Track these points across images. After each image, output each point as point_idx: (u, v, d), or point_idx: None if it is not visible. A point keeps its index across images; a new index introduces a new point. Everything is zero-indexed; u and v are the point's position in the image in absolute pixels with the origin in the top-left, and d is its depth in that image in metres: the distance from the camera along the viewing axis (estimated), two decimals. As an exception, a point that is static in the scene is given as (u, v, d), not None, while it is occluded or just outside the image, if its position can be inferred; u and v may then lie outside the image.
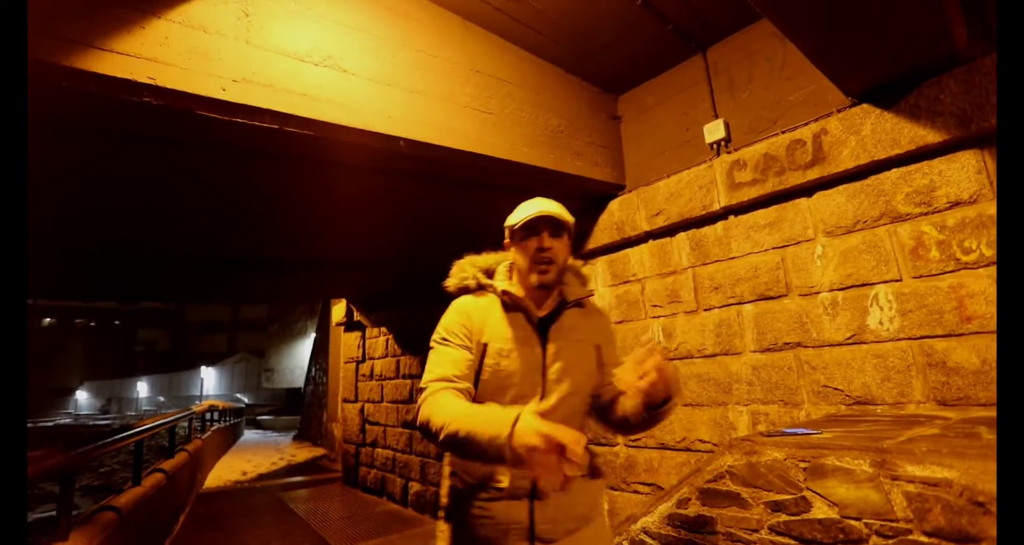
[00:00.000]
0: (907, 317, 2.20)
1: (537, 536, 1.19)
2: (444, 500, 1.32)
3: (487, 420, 0.99)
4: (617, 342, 1.53)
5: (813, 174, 2.52)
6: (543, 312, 1.33)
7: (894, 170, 2.31)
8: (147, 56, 1.95)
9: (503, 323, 1.29)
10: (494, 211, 3.91)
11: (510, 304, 1.31)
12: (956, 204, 2.12)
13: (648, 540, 1.96)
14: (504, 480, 1.20)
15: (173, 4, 2.04)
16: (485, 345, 1.27)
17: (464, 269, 1.40)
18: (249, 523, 5.47)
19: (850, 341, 2.36)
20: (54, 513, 2.76)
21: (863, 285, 2.35)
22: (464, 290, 1.38)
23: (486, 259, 1.43)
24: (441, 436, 1.05)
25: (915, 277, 2.21)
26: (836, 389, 2.37)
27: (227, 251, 4.73)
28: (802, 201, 2.61)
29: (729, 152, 2.93)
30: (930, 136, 2.16)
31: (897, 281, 2.26)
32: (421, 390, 1.20)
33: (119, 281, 5.93)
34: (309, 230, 4.29)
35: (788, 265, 2.62)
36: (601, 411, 1.37)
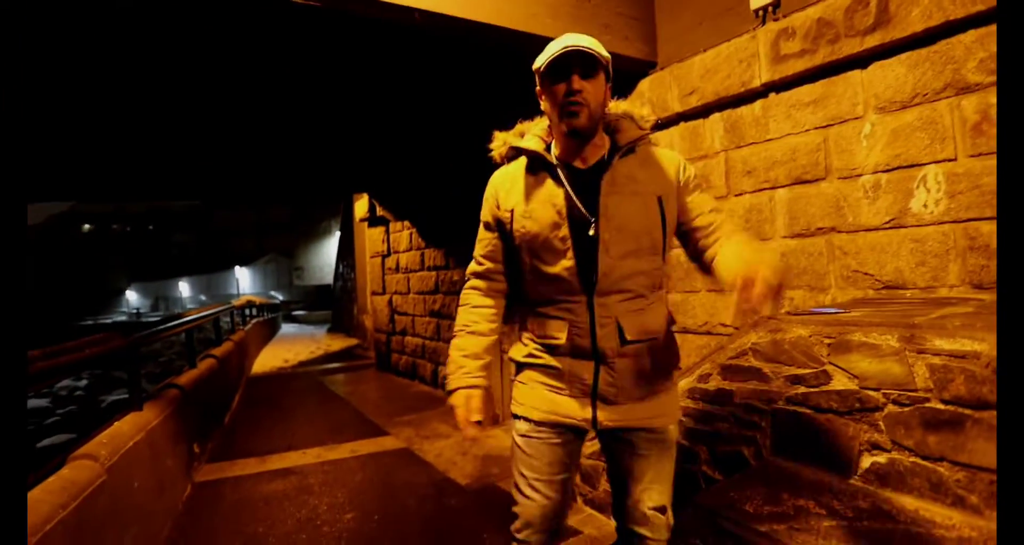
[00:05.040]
0: (955, 199, 2.08)
1: (600, 395, 1.22)
2: (514, 356, 1.35)
3: (454, 365, 1.30)
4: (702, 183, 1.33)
5: (873, 41, 2.25)
6: (586, 165, 1.23)
7: (970, 32, 2.03)
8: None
9: (526, 184, 1.25)
10: (517, 93, 3.69)
11: (530, 164, 1.26)
12: (1035, 69, 1.89)
13: (667, 411, 2.10)
14: (561, 336, 1.23)
15: None
16: (512, 211, 1.25)
17: (498, 137, 1.34)
18: (296, 402, 6.04)
19: (888, 225, 2.27)
20: (127, 395, 3.07)
21: (911, 166, 2.20)
22: (505, 159, 1.34)
23: (527, 125, 1.35)
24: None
25: (972, 156, 2.05)
26: (867, 274, 2.33)
27: (246, 141, 4.67)
28: (855, 74, 2.37)
29: (777, 19, 2.62)
30: (1020, -14, 1.87)
31: (951, 161, 2.10)
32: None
33: (148, 179, 5.99)
34: (325, 114, 4.15)
35: (830, 146, 2.45)
36: (699, 263, 1.29)
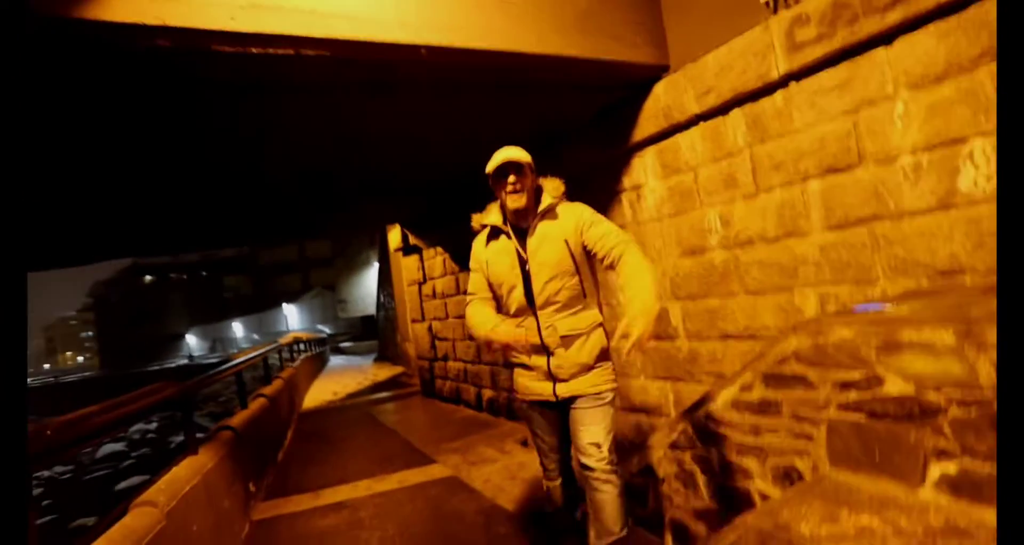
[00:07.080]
0: (1007, 173, 1.92)
1: (553, 375, 1.90)
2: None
3: (482, 324, 1.89)
4: (602, 219, 1.94)
5: (895, 16, 2.13)
6: (526, 225, 1.94)
7: (999, -6, 1.90)
8: (147, -7, 1.87)
9: (490, 244, 2.01)
10: (534, 114, 3.68)
11: (491, 231, 2.01)
12: (1080, 26, 1.74)
13: (712, 425, 1.99)
14: (523, 355, 1.97)
15: (156, -75, 1.91)
16: (486, 262, 2.00)
17: (473, 218, 2.07)
18: (346, 434, 6.13)
19: (936, 208, 2.11)
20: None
21: (954, 142, 2.05)
22: (479, 229, 2.08)
23: (493, 205, 2.04)
24: (469, 330, 2.00)
25: (1019, 125, 1.89)
26: (917, 262, 2.17)
27: (281, 191, 4.86)
28: (879, 52, 2.25)
29: (789, 6, 2.53)
30: (1050, -59, 1.73)
31: (996, 132, 1.95)
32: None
33: (195, 232, 6.32)
34: (351, 160, 4.27)
35: (861, 131, 2.32)
36: (609, 268, 1.92)
